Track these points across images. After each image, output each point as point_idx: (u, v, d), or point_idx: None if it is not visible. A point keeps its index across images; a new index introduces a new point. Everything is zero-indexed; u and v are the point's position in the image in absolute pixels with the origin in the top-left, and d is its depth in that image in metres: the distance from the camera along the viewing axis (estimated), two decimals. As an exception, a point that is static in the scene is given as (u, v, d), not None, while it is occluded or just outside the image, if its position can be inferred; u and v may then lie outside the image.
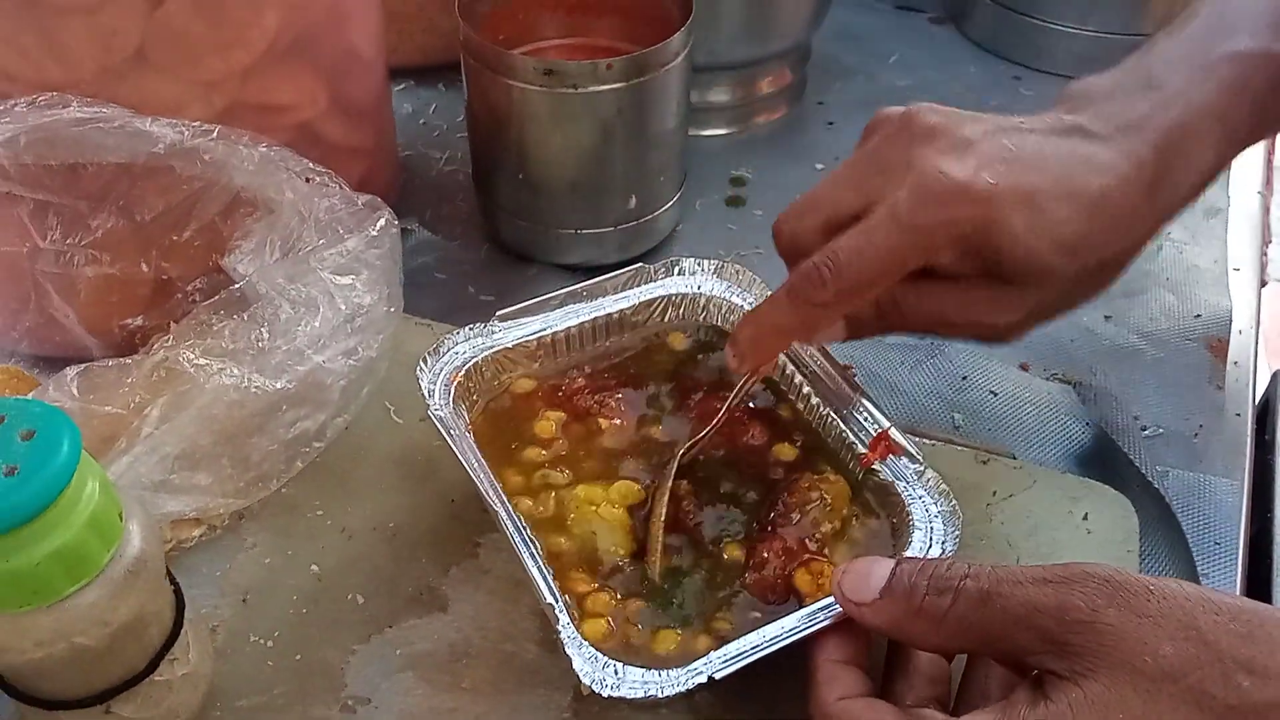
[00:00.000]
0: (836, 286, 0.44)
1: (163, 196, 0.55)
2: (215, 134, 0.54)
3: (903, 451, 0.50)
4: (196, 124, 0.54)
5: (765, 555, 0.47)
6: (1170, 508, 0.54)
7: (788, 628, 0.43)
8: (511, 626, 0.49)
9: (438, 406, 0.49)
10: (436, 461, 0.56)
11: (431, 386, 0.51)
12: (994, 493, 0.54)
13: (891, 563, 0.40)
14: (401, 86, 0.83)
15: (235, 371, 0.46)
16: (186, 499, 0.46)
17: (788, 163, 0.78)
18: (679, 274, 0.58)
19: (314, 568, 0.51)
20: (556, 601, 0.43)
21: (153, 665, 0.41)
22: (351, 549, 0.52)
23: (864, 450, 0.51)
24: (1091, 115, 0.45)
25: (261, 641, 0.48)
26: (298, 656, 0.48)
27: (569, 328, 0.55)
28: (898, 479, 0.49)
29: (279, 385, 0.47)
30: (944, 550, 0.46)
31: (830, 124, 0.82)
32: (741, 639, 0.43)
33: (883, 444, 0.50)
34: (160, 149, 0.53)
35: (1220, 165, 0.46)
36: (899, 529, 0.49)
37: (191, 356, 0.45)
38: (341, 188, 0.54)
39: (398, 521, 0.53)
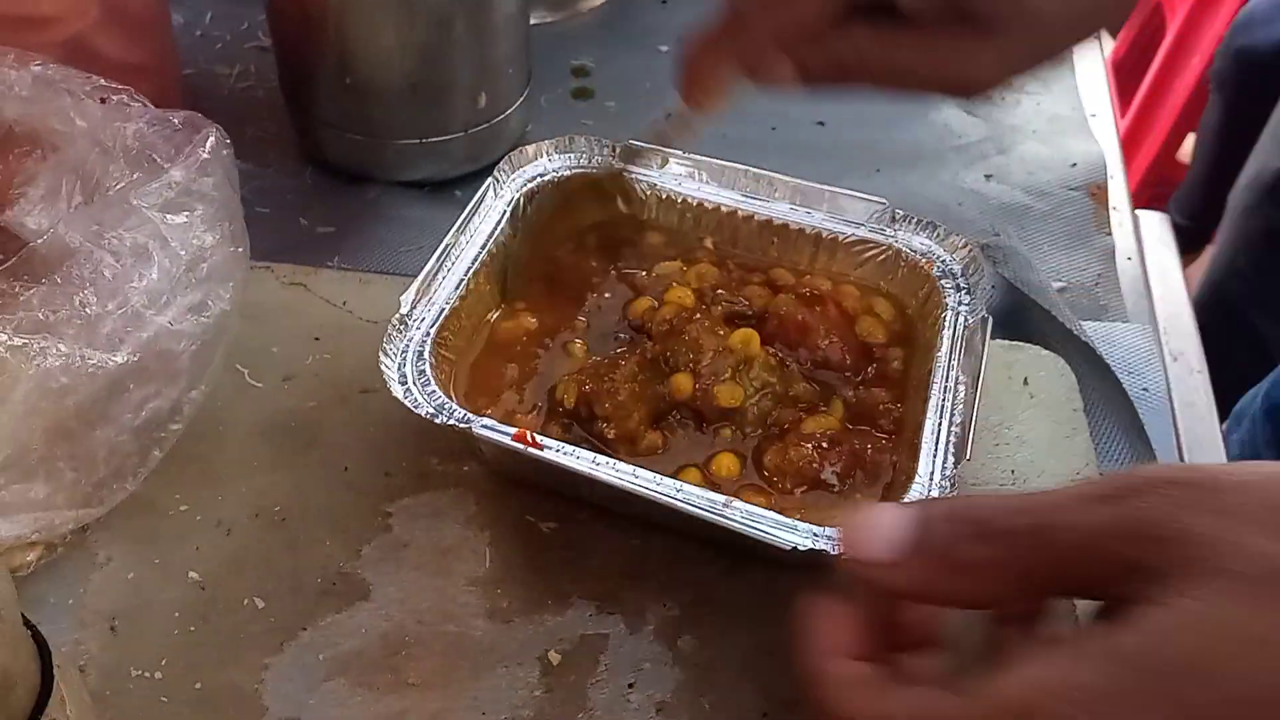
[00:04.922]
0: None
1: (-97, 143, 0.43)
2: (-36, 54, 0.42)
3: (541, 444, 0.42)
4: (-65, 44, 0.42)
5: None
6: (1103, 358, 0.52)
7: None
8: (449, 604, 0.42)
9: None
10: (314, 426, 0.47)
11: None
12: (932, 370, 0.51)
13: (904, 511, 0.32)
14: (165, -5, 0.70)
15: (62, 348, 0.35)
16: (25, 518, 0.35)
17: (628, 48, 0.71)
18: None
19: (192, 575, 0.42)
20: None
21: (26, 736, 0.32)
22: (234, 545, 0.43)
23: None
24: None
25: (146, 674, 0.39)
26: (197, 685, 0.39)
27: None
28: None
29: (119, 359, 0.37)
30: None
31: (664, 2, 0.75)
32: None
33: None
34: (-110, 79, 0.41)
35: None
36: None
37: (3, 337, 0.34)
38: (146, 106, 0.44)
39: (283, 504, 0.44)
